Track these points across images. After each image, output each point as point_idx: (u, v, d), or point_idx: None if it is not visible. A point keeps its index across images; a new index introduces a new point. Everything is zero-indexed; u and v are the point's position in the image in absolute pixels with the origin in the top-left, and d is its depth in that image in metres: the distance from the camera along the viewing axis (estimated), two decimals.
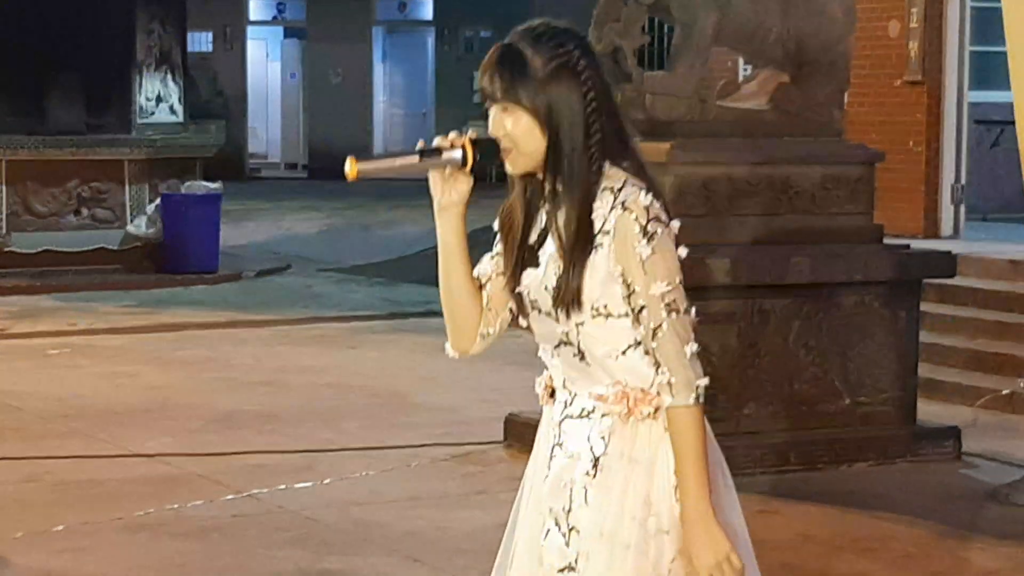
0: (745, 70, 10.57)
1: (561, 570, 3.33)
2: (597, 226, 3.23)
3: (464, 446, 8.59)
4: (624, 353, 3.29)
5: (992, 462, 8.36)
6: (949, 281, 9.41)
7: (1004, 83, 15.79)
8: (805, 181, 8.43)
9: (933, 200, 13.28)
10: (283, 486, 7.69)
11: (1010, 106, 16.29)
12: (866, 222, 8.59)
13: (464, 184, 3.31)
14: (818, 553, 6.79)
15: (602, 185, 3.25)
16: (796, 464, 8.08)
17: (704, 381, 3.26)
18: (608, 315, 3.27)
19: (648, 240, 3.20)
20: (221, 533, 6.98)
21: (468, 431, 8.93)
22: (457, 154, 3.26)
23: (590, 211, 3.24)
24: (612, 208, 3.22)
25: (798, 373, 8.22)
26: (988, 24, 15.51)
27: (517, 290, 3.36)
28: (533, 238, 3.35)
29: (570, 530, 3.32)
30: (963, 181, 13.43)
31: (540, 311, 3.33)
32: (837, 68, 8.73)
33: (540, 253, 3.32)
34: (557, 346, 3.35)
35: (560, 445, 3.38)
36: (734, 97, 8.80)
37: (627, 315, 3.26)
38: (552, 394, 3.43)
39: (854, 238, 8.49)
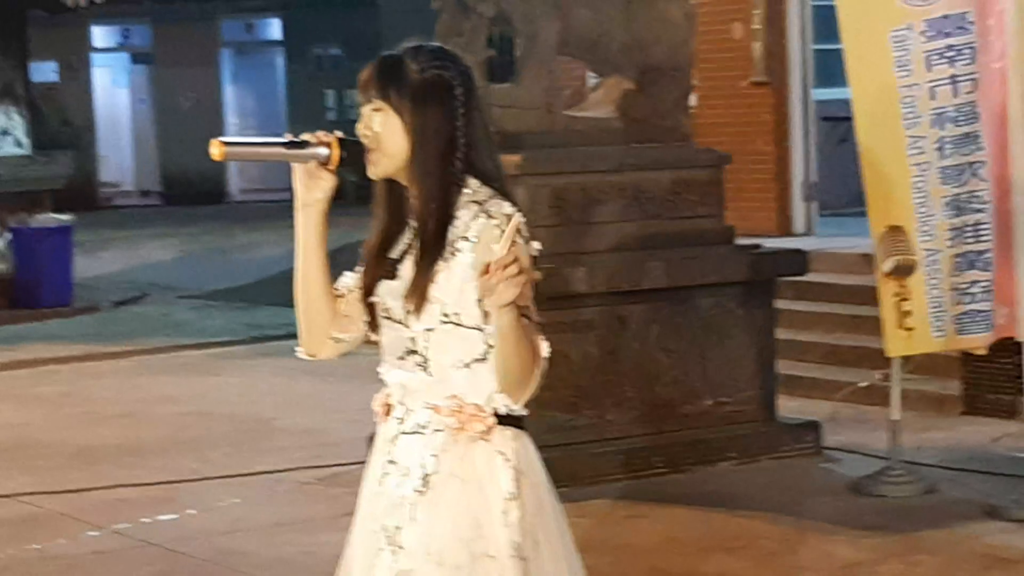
0: (595, 79, 10.60)
1: None
2: (459, 233, 3.27)
3: (330, 468, 8.54)
4: (468, 366, 3.32)
5: (852, 455, 8.47)
6: (804, 277, 9.52)
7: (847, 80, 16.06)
8: (656, 187, 8.50)
9: (785, 198, 13.44)
10: (147, 519, 7.59)
11: None
12: (717, 224, 8.68)
13: (327, 182, 3.35)
14: (685, 554, 6.83)
15: (467, 198, 3.31)
16: (660, 467, 8.14)
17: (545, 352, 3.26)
18: (459, 324, 3.30)
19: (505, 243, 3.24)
20: (85, 571, 6.87)
21: (334, 452, 8.88)
22: (323, 150, 3.31)
23: (449, 219, 3.28)
24: (476, 217, 3.28)
25: (659, 376, 8.28)
26: (829, 22, 15.69)
27: (370, 299, 3.39)
28: (395, 253, 3.38)
29: (399, 548, 3.33)
30: (813, 178, 13.60)
31: (391, 319, 3.36)
32: (681, 73, 8.81)
33: (399, 266, 3.35)
34: (402, 357, 3.37)
35: (393, 462, 3.40)
36: (581, 106, 8.87)
37: (478, 328, 3.29)
38: (388, 412, 3.45)
39: (707, 240, 8.57)
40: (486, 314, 3.26)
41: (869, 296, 10.82)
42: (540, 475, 3.36)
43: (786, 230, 13.18)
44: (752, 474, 8.16)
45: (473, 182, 3.32)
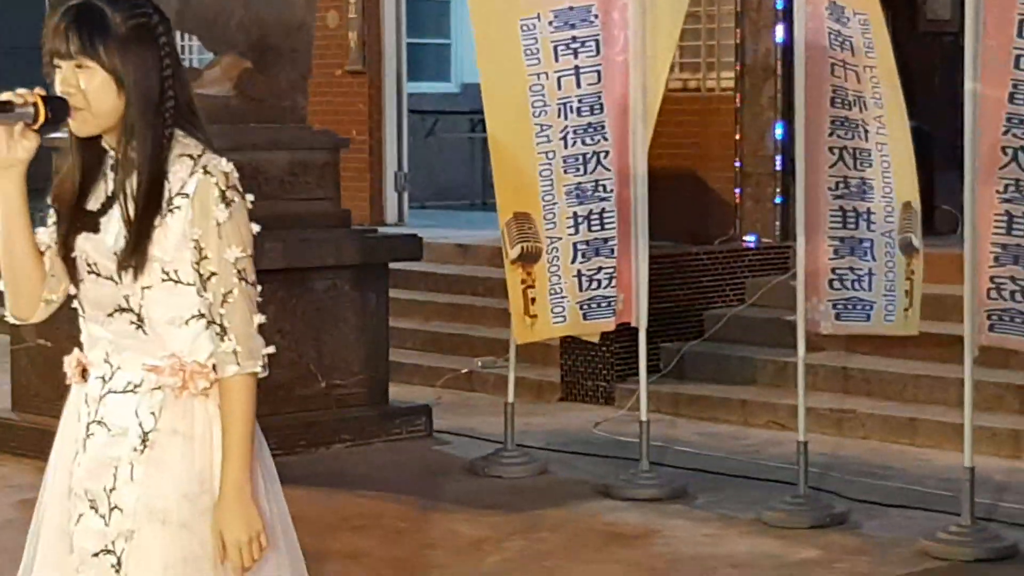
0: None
1: (96, 554, 3.24)
2: (175, 189, 3.20)
3: None
4: (187, 323, 3.26)
5: (461, 437, 8.62)
6: (402, 265, 9.62)
7: (436, 75, 16.31)
8: (273, 167, 8.46)
9: (378, 188, 13.54)
10: None
11: (442, 96, 16.77)
12: (334, 207, 8.70)
13: (32, 141, 3.20)
14: (311, 533, 6.69)
15: (178, 151, 3.23)
16: (275, 449, 7.89)
17: (270, 349, 3.32)
18: (177, 281, 3.24)
19: (226, 206, 3.23)
20: None
21: None
22: (29, 110, 3.16)
23: (163, 174, 3.20)
24: (192, 173, 3.21)
25: (274, 358, 8.16)
26: (421, 17, 15.95)
27: (71, 255, 3.28)
28: (94, 205, 3.27)
29: (111, 510, 3.24)
30: (405, 169, 13.74)
31: (99, 275, 3.26)
32: (299, 55, 8.79)
33: (102, 219, 3.25)
34: (111, 314, 3.27)
35: (99, 422, 3.29)
36: (198, 83, 8.70)
37: (194, 284, 3.23)
38: (83, 372, 3.33)
39: (323, 223, 8.59)
40: (202, 277, 3.21)
41: (465, 285, 11.10)
42: (259, 431, 3.36)
43: (379, 219, 13.27)
44: (367, 456, 8.21)
45: (180, 134, 3.25)
